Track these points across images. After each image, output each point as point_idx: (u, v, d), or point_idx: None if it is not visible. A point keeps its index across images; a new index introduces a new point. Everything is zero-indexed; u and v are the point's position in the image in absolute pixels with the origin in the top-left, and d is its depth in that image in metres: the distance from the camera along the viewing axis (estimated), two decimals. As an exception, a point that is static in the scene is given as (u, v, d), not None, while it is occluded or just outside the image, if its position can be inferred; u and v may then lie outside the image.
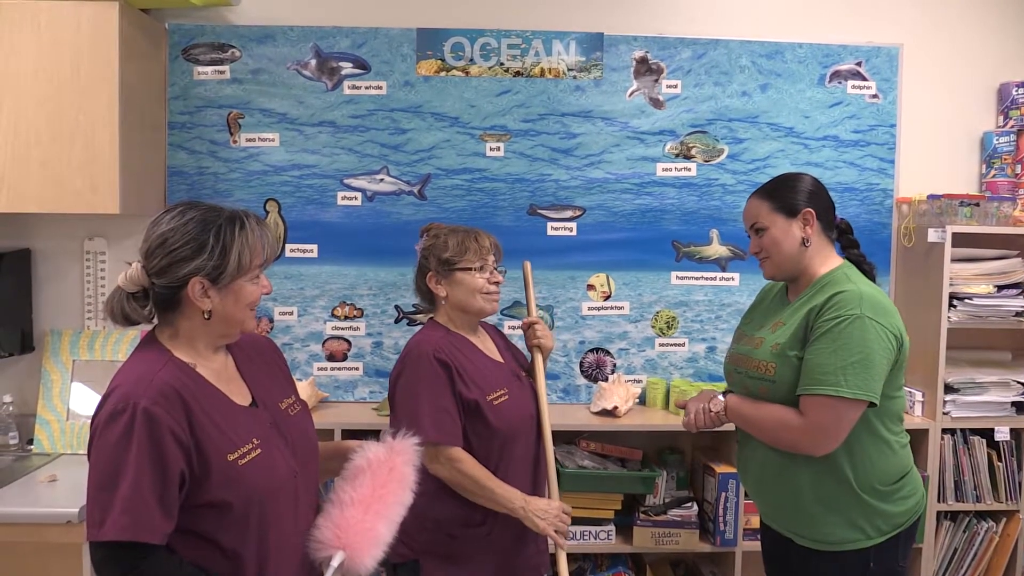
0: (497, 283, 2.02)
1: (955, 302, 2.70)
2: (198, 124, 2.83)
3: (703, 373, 2.96)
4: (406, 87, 2.85)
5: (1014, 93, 2.94)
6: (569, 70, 2.88)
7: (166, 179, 2.83)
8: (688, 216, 2.94)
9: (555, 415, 2.22)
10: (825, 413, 1.71)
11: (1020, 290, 2.75)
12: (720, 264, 2.96)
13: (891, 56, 2.94)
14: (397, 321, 2.91)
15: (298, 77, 2.84)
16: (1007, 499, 2.78)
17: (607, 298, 2.95)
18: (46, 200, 2.44)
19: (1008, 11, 3.00)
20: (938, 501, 2.74)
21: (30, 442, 2.66)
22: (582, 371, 2.95)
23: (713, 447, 2.84)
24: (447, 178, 2.88)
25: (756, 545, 2.16)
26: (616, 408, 2.75)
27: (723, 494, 2.66)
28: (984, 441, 2.78)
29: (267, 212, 2.85)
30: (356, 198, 2.87)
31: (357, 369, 2.91)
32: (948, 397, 2.74)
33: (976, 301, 2.70)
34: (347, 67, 2.84)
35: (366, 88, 2.85)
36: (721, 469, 2.67)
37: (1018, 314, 2.73)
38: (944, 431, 2.75)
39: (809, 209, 1.85)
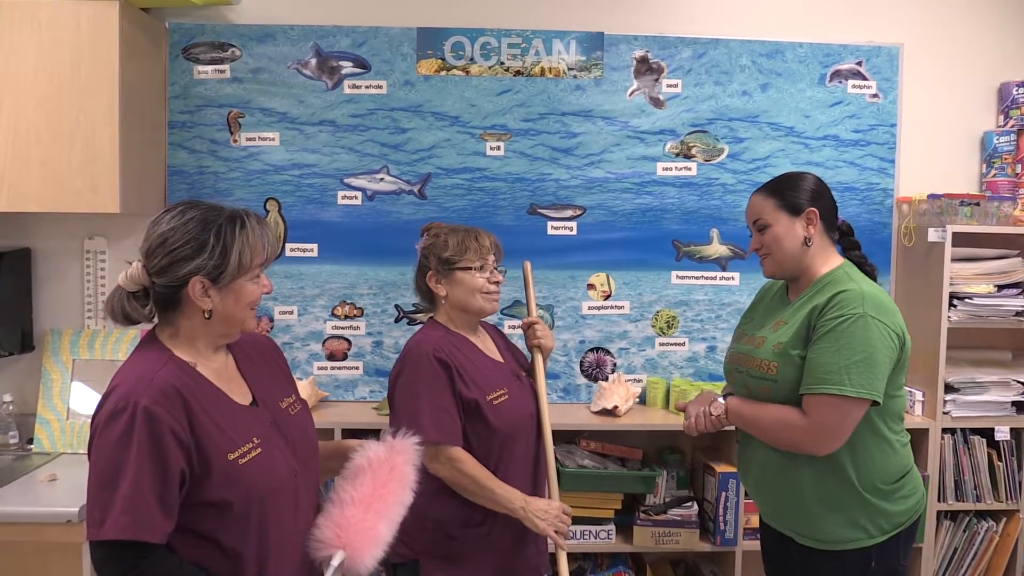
0: (497, 283, 2.01)
1: (955, 302, 2.70)
2: (198, 123, 2.83)
3: (703, 373, 2.96)
4: (406, 86, 2.85)
5: (1014, 93, 2.94)
6: (569, 69, 2.88)
7: (166, 178, 2.83)
8: (688, 215, 2.94)
9: (555, 414, 2.22)
10: (829, 412, 1.71)
11: (1020, 290, 2.75)
12: (720, 264, 2.96)
13: (891, 56, 2.93)
14: (397, 320, 2.91)
15: (298, 76, 2.84)
16: (1007, 499, 2.78)
17: (607, 297, 2.95)
18: (46, 199, 2.44)
19: (1008, 11, 3.00)
20: (938, 501, 2.74)
21: (30, 441, 2.66)
22: (582, 370, 2.95)
23: (713, 447, 2.84)
24: (447, 177, 2.88)
25: (756, 544, 2.16)
26: (616, 407, 2.75)
27: (723, 494, 2.66)
28: (984, 441, 2.78)
29: (267, 211, 2.85)
30: (356, 197, 2.87)
31: (357, 368, 2.91)
32: (948, 397, 2.74)
33: (976, 301, 2.70)
34: (347, 66, 2.84)
35: (366, 87, 2.85)
36: (721, 469, 2.67)
37: (1018, 314, 2.73)
38: (944, 431, 2.75)
39: (813, 209, 1.86)
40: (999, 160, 2.94)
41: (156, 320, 1.43)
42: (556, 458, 2.32)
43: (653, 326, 2.96)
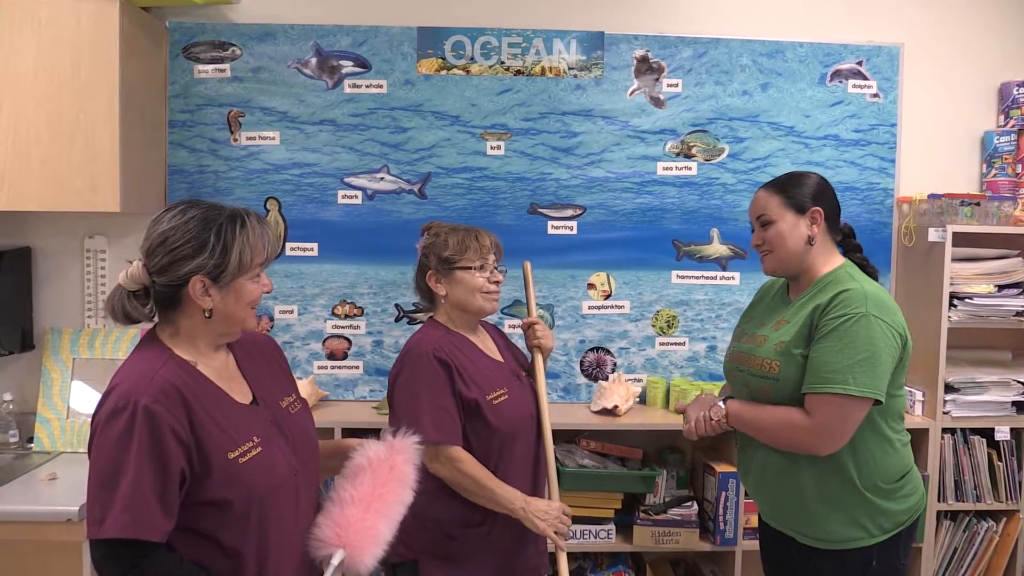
0: (497, 282, 2.01)
1: (955, 302, 2.70)
2: (198, 122, 2.83)
3: (703, 372, 2.96)
4: (407, 86, 2.85)
5: (1015, 92, 2.94)
6: (570, 69, 2.88)
7: (166, 177, 2.83)
8: (689, 215, 2.94)
9: (555, 414, 2.22)
10: (832, 412, 1.71)
11: (1020, 290, 2.75)
12: (720, 263, 2.96)
13: (892, 55, 2.93)
14: (397, 320, 2.91)
15: (299, 75, 2.84)
16: (1007, 499, 2.78)
17: (607, 297, 2.95)
18: (46, 198, 2.44)
19: (1009, 10, 3.00)
20: (938, 500, 2.74)
21: (30, 440, 2.66)
22: (582, 370, 2.95)
23: (713, 446, 2.84)
24: (447, 177, 2.88)
25: (756, 544, 2.16)
26: (616, 407, 2.75)
27: (723, 493, 2.66)
28: (984, 441, 2.78)
29: (267, 210, 2.85)
30: (356, 197, 2.87)
31: (357, 368, 2.91)
32: (948, 397, 2.74)
33: (976, 301, 2.70)
34: (348, 65, 2.84)
35: (367, 87, 2.85)
36: (721, 468, 2.67)
37: (1018, 314, 2.73)
38: (944, 431, 2.75)
39: (818, 208, 1.86)
40: (999, 160, 2.94)
41: (156, 319, 1.43)
42: (556, 457, 2.32)
43: (653, 326, 2.96)
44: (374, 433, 1.66)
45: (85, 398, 2.66)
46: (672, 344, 2.96)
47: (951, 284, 2.69)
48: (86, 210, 2.48)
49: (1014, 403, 2.77)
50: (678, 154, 2.92)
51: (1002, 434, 2.75)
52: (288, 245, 2.87)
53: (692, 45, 2.89)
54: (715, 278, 2.96)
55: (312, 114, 2.84)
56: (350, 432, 2.57)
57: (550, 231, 2.91)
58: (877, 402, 1.73)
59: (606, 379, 2.91)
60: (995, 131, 2.96)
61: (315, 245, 2.88)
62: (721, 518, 2.66)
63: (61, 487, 2.30)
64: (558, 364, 2.93)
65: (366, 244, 2.87)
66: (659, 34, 2.89)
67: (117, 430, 1.27)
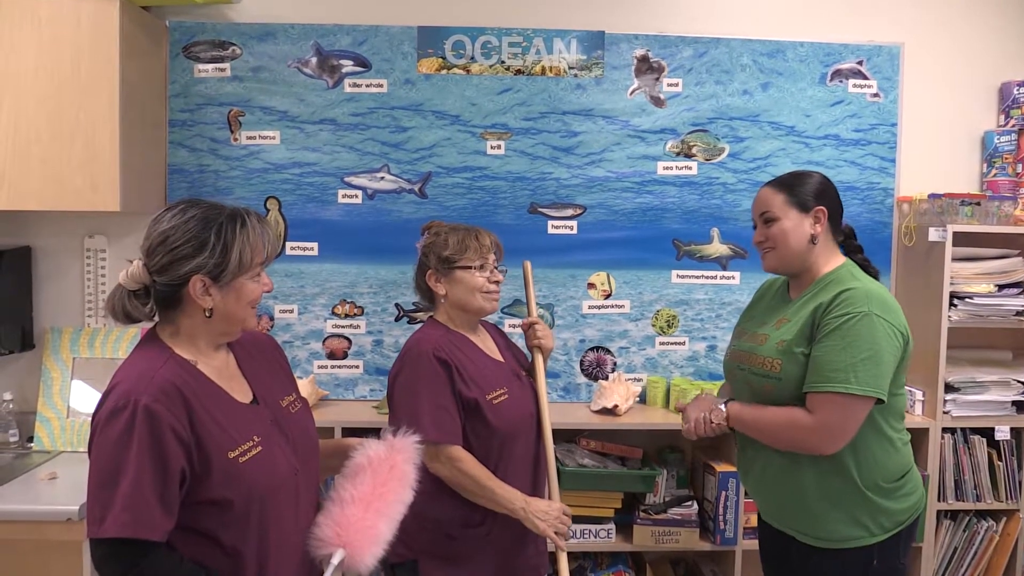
0: (497, 282, 2.00)
1: (956, 301, 2.70)
2: (199, 122, 2.83)
3: (703, 372, 2.96)
4: (407, 85, 2.85)
5: (1015, 92, 2.94)
6: (570, 68, 2.87)
7: (166, 177, 2.83)
8: (689, 215, 2.94)
9: (555, 413, 2.22)
10: (835, 411, 1.71)
11: (1021, 289, 2.75)
12: (721, 263, 2.96)
13: (892, 55, 2.93)
14: (397, 319, 2.91)
15: (299, 75, 2.84)
16: (1007, 498, 2.78)
17: (607, 296, 2.95)
18: (46, 198, 2.44)
19: (1009, 10, 3.00)
20: (938, 500, 2.74)
21: (30, 439, 2.66)
22: (582, 369, 2.95)
23: (713, 446, 2.84)
24: (448, 176, 2.88)
25: (756, 544, 2.16)
26: (616, 407, 2.75)
27: (723, 493, 2.66)
28: (984, 440, 2.78)
29: (268, 210, 2.85)
30: (357, 196, 2.87)
31: (357, 367, 2.91)
32: (948, 396, 2.74)
33: (977, 300, 2.70)
34: (348, 65, 2.84)
35: (367, 86, 2.85)
36: (721, 468, 2.67)
37: (1019, 313, 2.73)
38: (944, 430, 2.75)
39: (821, 207, 1.86)
40: (1000, 160, 2.94)
41: (157, 318, 1.43)
42: (556, 457, 2.32)
43: (653, 325, 2.96)
44: (374, 432, 1.66)
45: (85, 397, 2.66)
46: (672, 344, 2.96)
47: (951, 284, 2.69)
48: (86, 209, 2.48)
49: (1014, 403, 2.76)
50: (678, 154, 2.92)
51: (1002, 434, 2.75)
52: (288, 244, 2.87)
53: (692, 45, 2.89)
54: (715, 278, 2.96)
55: (312, 113, 2.84)
56: (350, 431, 2.57)
57: (550, 231, 2.91)
58: (879, 401, 1.73)
59: (606, 379, 2.91)
60: (995, 131, 2.96)
61: (315, 244, 2.88)
62: (721, 518, 2.66)
63: (61, 486, 2.30)
64: (558, 363, 2.93)
65: (366, 243, 2.87)
66: (659, 34, 2.89)
67: (117, 429, 1.27)
